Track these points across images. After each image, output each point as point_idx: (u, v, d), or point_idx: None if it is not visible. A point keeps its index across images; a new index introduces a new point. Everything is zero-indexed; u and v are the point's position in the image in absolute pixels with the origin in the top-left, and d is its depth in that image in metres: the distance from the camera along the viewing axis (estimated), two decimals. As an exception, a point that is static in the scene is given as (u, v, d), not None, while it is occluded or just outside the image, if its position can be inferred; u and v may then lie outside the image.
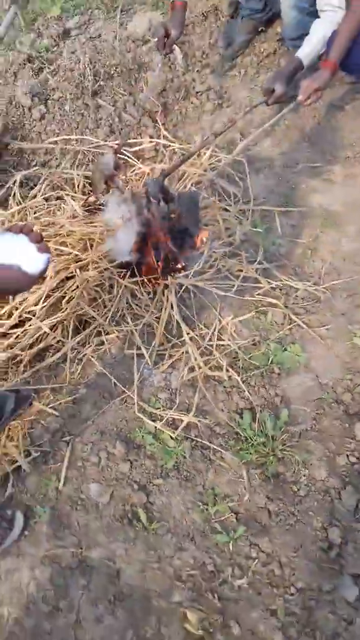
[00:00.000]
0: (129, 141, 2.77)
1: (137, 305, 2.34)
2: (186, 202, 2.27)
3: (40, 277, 1.13)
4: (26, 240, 1.13)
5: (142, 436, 2.01)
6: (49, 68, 3.00)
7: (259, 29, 3.21)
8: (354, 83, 2.90)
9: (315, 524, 1.78)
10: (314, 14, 2.62)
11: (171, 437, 1.98)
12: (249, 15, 3.09)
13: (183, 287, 2.36)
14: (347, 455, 1.90)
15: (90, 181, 2.65)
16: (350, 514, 1.78)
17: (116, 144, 2.44)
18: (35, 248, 1.13)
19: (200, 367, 2.14)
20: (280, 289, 2.37)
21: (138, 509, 1.86)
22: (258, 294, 2.35)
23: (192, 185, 2.67)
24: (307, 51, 2.44)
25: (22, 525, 1.85)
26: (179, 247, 2.29)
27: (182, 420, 2.01)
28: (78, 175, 2.67)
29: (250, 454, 1.93)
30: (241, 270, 2.40)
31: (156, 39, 2.50)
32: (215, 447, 1.96)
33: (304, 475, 1.88)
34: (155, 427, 2.01)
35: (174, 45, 3.13)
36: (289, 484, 1.88)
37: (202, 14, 3.36)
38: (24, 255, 1.11)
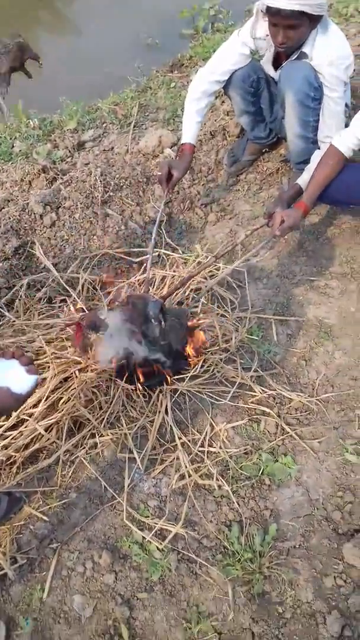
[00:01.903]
0: (133, 249, 2.93)
1: (132, 407, 2.39)
2: (174, 318, 2.39)
3: (28, 396, 1.24)
4: (16, 363, 1.24)
5: (129, 546, 1.99)
6: (62, 178, 3.21)
7: (263, 151, 3.45)
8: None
9: (299, 651, 1.73)
10: (317, 142, 2.86)
11: (158, 549, 1.96)
12: (254, 139, 3.34)
13: (178, 392, 2.42)
14: (335, 577, 1.86)
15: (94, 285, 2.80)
16: (335, 642, 1.73)
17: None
18: (25, 370, 1.24)
19: (190, 475, 2.15)
20: (274, 398, 2.42)
21: (120, 624, 1.82)
22: (252, 402, 2.39)
23: (190, 291, 2.79)
24: (305, 178, 2.63)
25: (3, 637, 1.81)
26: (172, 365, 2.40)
27: (169, 531, 2.00)
28: (83, 278, 2.80)
29: (237, 570, 1.90)
30: (236, 377, 2.46)
31: (159, 174, 2.71)
32: (201, 561, 1.94)
33: (290, 596, 1.85)
34: (143, 538, 1.99)
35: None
36: (274, 605, 1.84)
37: (210, 132, 3.62)
38: (14, 378, 1.22)
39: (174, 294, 2.67)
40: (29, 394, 1.25)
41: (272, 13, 2.44)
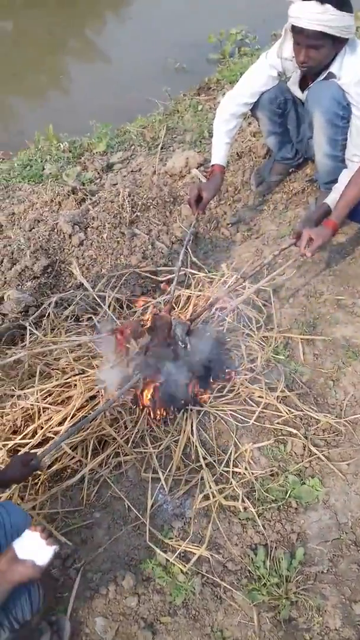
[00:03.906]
0: (160, 268, 2.95)
1: (157, 426, 2.37)
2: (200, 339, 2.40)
3: (46, 567, 1.45)
4: (38, 535, 1.46)
5: (152, 568, 1.96)
6: (90, 199, 3.26)
7: (290, 171, 3.45)
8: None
9: None
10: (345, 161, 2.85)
11: (182, 571, 1.93)
12: (281, 160, 3.34)
13: (203, 411, 2.40)
14: (364, 604, 1.81)
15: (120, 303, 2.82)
16: (365, 673, 1.67)
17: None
18: (45, 543, 1.45)
19: (214, 496, 2.12)
20: (301, 419, 2.38)
21: (143, 649, 1.79)
22: (278, 422, 2.36)
23: (216, 309, 2.77)
24: (334, 197, 2.62)
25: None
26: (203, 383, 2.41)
27: (193, 553, 1.97)
28: (109, 296, 2.81)
29: (263, 595, 1.86)
30: (262, 397, 2.43)
31: (189, 197, 2.75)
32: (226, 585, 1.90)
33: (318, 623, 1.79)
34: (166, 560, 1.96)
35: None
36: (301, 632, 1.79)
37: (237, 153, 3.64)
38: (36, 550, 1.44)
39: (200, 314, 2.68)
40: (48, 564, 1.45)
41: (295, 31, 2.47)
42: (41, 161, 3.91)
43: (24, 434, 2.24)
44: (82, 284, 2.90)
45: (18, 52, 6.12)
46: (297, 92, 2.94)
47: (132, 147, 4.01)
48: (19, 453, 2.11)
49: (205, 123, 4.05)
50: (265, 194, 3.45)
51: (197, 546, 1.99)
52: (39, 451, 2.20)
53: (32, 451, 2.13)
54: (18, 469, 1.80)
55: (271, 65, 2.80)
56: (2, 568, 1.41)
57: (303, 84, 2.87)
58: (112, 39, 6.57)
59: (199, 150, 3.77)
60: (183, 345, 2.36)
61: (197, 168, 3.53)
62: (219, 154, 2.87)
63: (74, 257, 2.99)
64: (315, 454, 2.23)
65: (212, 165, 2.88)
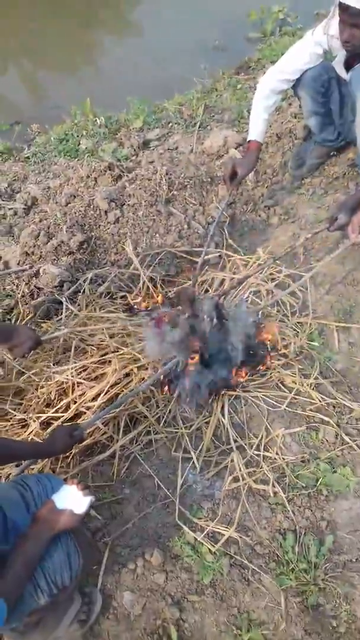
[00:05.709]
0: (195, 249, 2.92)
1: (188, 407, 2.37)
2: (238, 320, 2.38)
3: (84, 515, 1.55)
4: (75, 488, 1.58)
5: (181, 546, 1.97)
6: (127, 176, 3.23)
7: (331, 154, 3.38)
8: None
9: (354, 668, 1.68)
10: None
11: (210, 551, 1.94)
12: (322, 142, 3.27)
13: (235, 394, 2.39)
14: (393, 595, 1.80)
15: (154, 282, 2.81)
16: (393, 663, 1.66)
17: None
18: (82, 494, 1.56)
19: (244, 478, 2.12)
20: (334, 407, 2.36)
21: (170, 625, 1.80)
22: (310, 409, 2.34)
23: (250, 293, 2.75)
24: None
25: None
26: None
27: (222, 534, 1.97)
28: (144, 274, 2.80)
29: (291, 579, 1.86)
30: (294, 383, 2.41)
31: (222, 174, 2.70)
32: (254, 567, 1.90)
33: (345, 611, 1.79)
34: (195, 539, 1.97)
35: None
36: (328, 618, 1.79)
37: (277, 134, 3.58)
38: (74, 501, 1.54)
39: (230, 294, 2.66)
40: (85, 513, 1.55)
41: (341, 9, 2.40)
42: (77, 136, 3.89)
43: (57, 407, 2.26)
44: (117, 261, 2.89)
45: (55, 25, 6.05)
46: (342, 73, 2.87)
47: (169, 125, 3.96)
48: (63, 424, 2.13)
49: (244, 102, 3.98)
50: (304, 177, 3.38)
51: (226, 527, 2.00)
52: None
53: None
54: (66, 441, 1.81)
55: (316, 42, 2.73)
56: (43, 517, 1.50)
57: (348, 65, 2.79)
58: (149, 14, 6.45)
59: (237, 129, 3.72)
60: (209, 320, 2.33)
61: (235, 148, 3.48)
62: (256, 130, 2.83)
63: (109, 234, 2.97)
64: (348, 443, 2.21)
65: (249, 141, 2.84)
